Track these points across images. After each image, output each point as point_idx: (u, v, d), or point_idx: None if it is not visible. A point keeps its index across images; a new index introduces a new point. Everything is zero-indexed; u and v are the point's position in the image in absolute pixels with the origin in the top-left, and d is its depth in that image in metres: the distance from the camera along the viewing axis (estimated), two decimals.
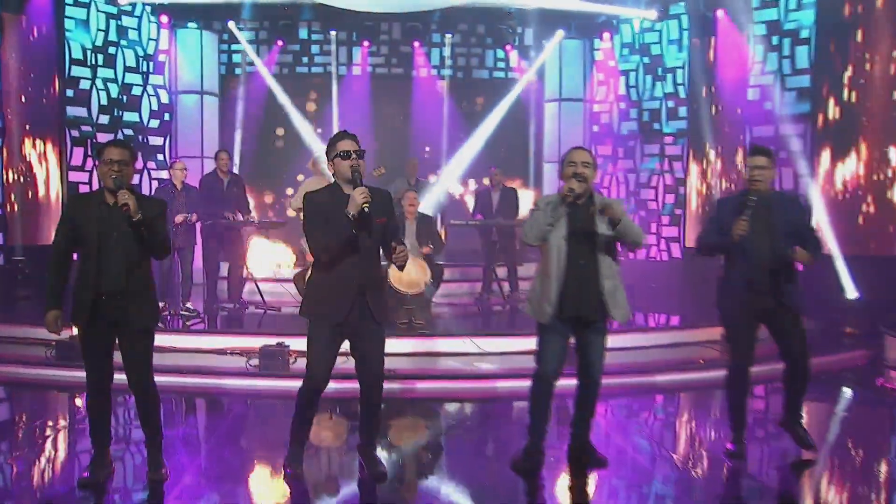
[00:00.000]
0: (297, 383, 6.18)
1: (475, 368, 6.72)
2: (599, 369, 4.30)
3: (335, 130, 12.23)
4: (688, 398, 6.40)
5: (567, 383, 4.42)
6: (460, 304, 9.66)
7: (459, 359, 6.93)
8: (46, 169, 9.34)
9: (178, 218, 7.96)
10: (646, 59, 11.20)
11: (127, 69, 10.43)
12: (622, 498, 4.20)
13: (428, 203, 10.49)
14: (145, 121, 10.73)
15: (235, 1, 10.83)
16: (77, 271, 3.90)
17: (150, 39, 10.81)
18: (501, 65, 12.73)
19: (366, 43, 12.30)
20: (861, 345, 7.75)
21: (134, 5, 10.49)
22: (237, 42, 11.69)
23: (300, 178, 10.99)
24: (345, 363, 4.17)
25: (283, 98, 11.69)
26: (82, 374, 4.04)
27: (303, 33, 12.27)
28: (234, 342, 7.07)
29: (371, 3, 10.77)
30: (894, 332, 7.32)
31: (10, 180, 8.90)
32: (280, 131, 12.23)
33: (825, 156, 9.03)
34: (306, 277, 6.76)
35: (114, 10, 10.23)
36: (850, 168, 8.80)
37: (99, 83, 10.01)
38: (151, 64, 10.84)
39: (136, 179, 9.95)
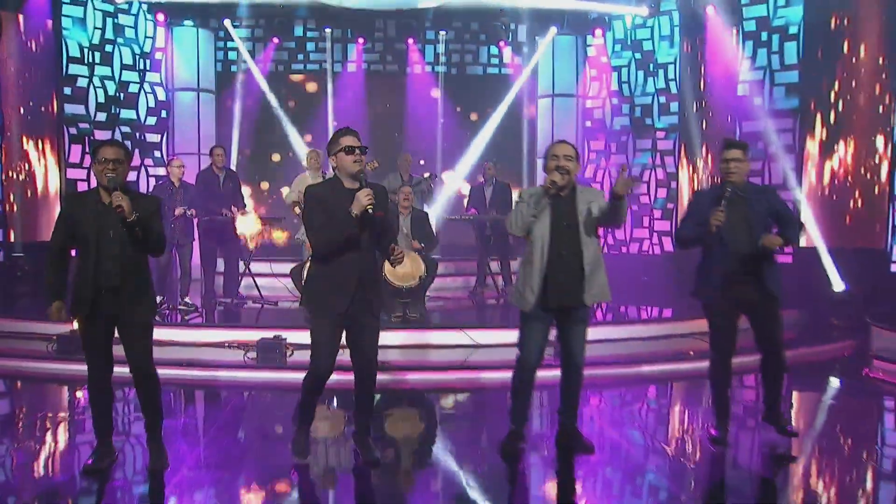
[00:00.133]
0: (294, 375, 6.34)
1: (468, 360, 6.84)
2: (581, 357, 4.41)
3: (330, 126, 12.34)
4: (678, 388, 6.55)
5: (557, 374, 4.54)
6: (454, 298, 9.79)
7: (453, 350, 7.06)
8: (45, 166, 9.41)
9: (178, 211, 8.07)
10: (638, 55, 11.29)
11: (124, 67, 10.49)
12: (607, 482, 4.31)
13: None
14: (142, 118, 10.79)
15: (231, 0, 10.94)
16: (76, 267, 4.00)
17: (146, 37, 10.87)
18: (495, 61, 12.83)
19: (360, 40, 12.41)
20: (848, 336, 7.90)
21: (130, 3, 10.55)
22: (233, 39, 11.78)
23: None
24: (341, 355, 4.29)
25: (274, 101, 11.84)
26: (83, 367, 4.15)
27: (298, 31, 12.38)
28: (232, 335, 7.16)
29: (365, 1, 10.89)
30: (880, 324, 7.46)
31: (10, 178, 8.98)
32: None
33: (813, 150, 9.15)
34: (303, 272, 6.88)
35: (110, 7, 10.28)
36: (838, 162, 8.93)
37: (96, 81, 10.06)
38: (148, 62, 10.89)
39: (133, 177, 10.23)
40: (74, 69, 9.81)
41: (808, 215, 8.89)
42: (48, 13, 9.41)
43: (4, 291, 8.63)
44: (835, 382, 6.84)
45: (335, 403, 5.67)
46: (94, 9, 10.08)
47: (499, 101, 12.08)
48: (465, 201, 10.24)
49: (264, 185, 12.37)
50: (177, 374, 6.17)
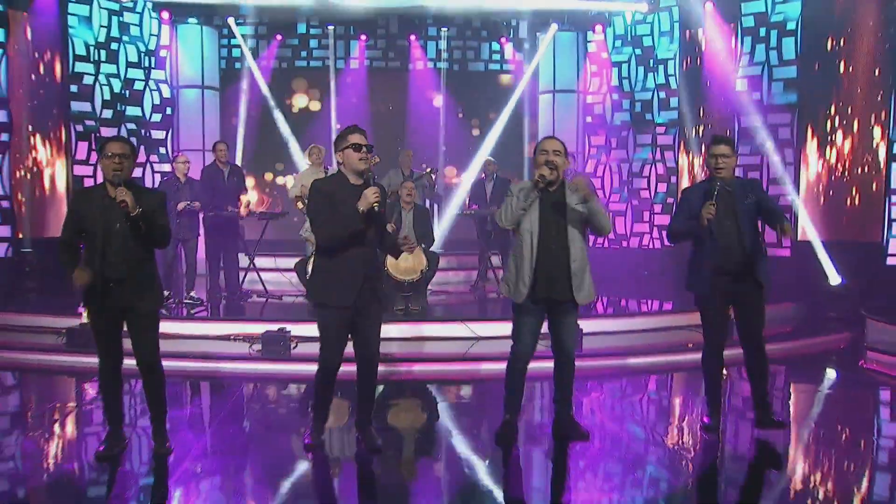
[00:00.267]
0: (297, 367, 6.47)
1: (469, 351, 6.95)
2: (572, 346, 4.54)
3: (333, 123, 12.43)
4: (678, 379, 6.65)
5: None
6: (456, 292, 9.90)
7: (454, 342, 7.18)
8: (52, 163, 9.55)
9: (180, 205, 8.18)
10: (638, 51, 11.38)
11: (129, 64, 10.61)
12: (602, 468, 4.41)
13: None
14: (147, 115, 10.91)
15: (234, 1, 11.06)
16: (84, 260, 4.13)
17: (151, 35, 10.99)
18: (496, 57, 12.93)
19: (363, 37, 12.51)
20: (844, 328, 7.99)
21: (135, 1, 10.67)
22: (236, 37, 11.89)
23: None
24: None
25: (274, 99, 11.97)
26: (92, 359, 4.29)
27: (301, 28, 12.49)
28: (237, 328, 7.27)
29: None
30: (875, 317, 7.55)
31: (18, 175, 9.11)
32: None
33: (811, 145, 9.23)
34: (308, 267, 6.98)
35: (116, 6, 10.40)
36: (835, 157, 9.01)
37: (102, 78, 10.19)
38: (153, 59, 11.01)
39: (139, 173, 10.34)
40: (80, 67, 9.93)
41: (804, 210, 8.98)
42: (55, 11, 9.53)
43: (14, 287, 8.74)
44: (831, 374, 6.94)
45: (338, 393, 5.77)
46: (100, 7, 10.19)
47: (500, 98, 12.16)
48: (466, 197, 10.34)
49: (268, 177, 12.51)
50: (183, 365, 6.29)
